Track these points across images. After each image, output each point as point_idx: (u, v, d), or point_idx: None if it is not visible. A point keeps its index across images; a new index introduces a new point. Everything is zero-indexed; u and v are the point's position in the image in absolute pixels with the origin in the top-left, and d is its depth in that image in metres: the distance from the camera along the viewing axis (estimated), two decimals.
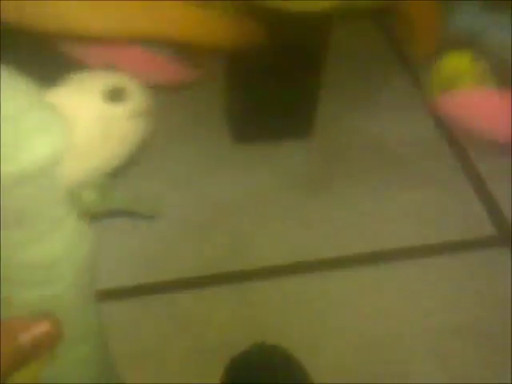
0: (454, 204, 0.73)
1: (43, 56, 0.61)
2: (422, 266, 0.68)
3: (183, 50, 0.66)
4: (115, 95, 0.41)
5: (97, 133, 0.41)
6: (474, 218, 0.72)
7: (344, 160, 0.77)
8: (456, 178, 0.76)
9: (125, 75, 0.43)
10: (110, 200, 0.49)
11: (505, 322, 0.64)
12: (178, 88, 0.70)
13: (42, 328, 0.45)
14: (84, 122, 0.40)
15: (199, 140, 0.77)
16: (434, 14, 0.74)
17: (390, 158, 0.77)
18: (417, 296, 0.66)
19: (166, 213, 0.68)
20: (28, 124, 0.38)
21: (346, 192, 0.73)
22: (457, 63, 0.72)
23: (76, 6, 0.56)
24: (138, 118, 0.42)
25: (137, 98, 0.42)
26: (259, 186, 0.72)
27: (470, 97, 0.70)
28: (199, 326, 0.64)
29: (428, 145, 0.79)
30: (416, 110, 0.82)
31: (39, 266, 0.45)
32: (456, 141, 0.79)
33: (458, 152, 0.78)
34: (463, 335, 0.63)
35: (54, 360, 0.47)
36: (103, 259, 0.48)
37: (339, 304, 0.65)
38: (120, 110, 0.42)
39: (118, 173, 0.45)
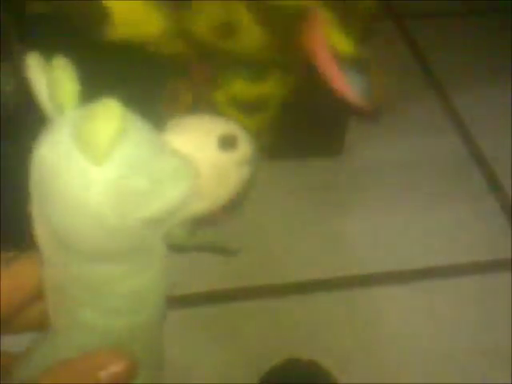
0: (481, 224, 0.77)
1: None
2: (451, 285, 0.71)
3: None
4: (228, 143, 0.43)
5: (210, 180, 0.43)
6: (501, 238, 0.75)
7: (373, 178, 0.80)
8: (484, 197, 0.79)
9: (234, 122, 0.45)
10: (198, 237, 0.51)
11: None
12: None
13: (121, 365, 0.46)
14: (199, 169, 0.42)
15: None
16: None
17: (418, 176, 0.80)
18: (446, 316, 0.69)
19: None
20: (160, 170, 0.40)
21: (375, 210, 0.76)
22: None
23: None
24: (245, 166, 0.44)
25: (246, 146, 0.44)
26: (289, 202, 0.75)
27: None
28: (228, 340, 0.66)
29: (456, 163, 0.82)
30: (444, 128, 0.85)
31: (132, 297, 0.47)
32: (484, 160, 0.83)
33: (486, 171, 0.82)
34: (490, 357, 0.65)
35: None
36: None
37: (367, 321, 0.67)
38: (232, 158, 0.44)
39: None
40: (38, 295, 0.49)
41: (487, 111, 0.89)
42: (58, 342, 0.49)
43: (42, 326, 0.50)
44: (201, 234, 0.50)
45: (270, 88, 0.59)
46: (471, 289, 0.70)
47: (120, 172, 0.39)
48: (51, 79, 0.41)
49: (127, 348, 0.49)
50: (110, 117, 0.38)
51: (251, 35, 0.61)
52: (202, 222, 0.45)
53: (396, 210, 0.76)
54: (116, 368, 0.46)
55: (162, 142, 0.42)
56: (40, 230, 0.44)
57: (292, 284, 0.69)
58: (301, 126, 0.75)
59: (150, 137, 0.42)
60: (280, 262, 0.70)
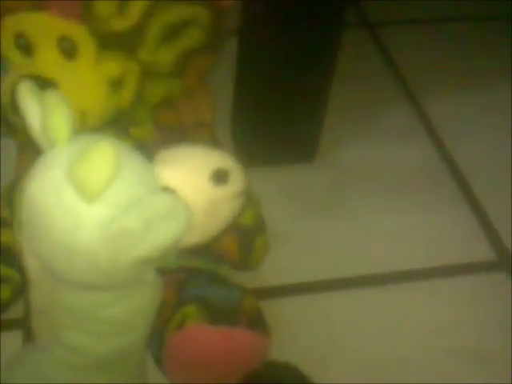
0: (454, 228, 0.77)
1: None
2: (426, 288, 0.71)
3: None
4: (221, 177, 0.43)
5: (202, 214, 0.42)
6: (474, 242, 0.76)
7: (347, 184, 0.79)
8: (456, 203, 0.79)
9: (227, 155, 0.44)
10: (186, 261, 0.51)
11: (505, 344, 0.67)
12: None
13: None
14: (191, 203, 0.42)
15: None
16: None
17: (392, 182, 0.80)
18: (421, 318, 0.69)
19: None
20: (152, 210, 0.39)
21: (349, 215, 0.77)
22: None
23: None
24: (237, 199, 0.44)
25: (238, 180, 0.44)
26: (265, 207, 0.75)
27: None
28: None
29: (428, 169, 0.82)
30: (418, 137, 0.85)
31: (118, 321, 0.47)
32: (456, 166, 0.83)
33: (457, 176, 0.82)
34: (465, 357, 0.65)
35: None
36: None
37: (345, 323, 0.67)
38: (225, 193, 0.43)
39: None
40: None
41: (459, 117, 0.89)
42: (41, 359, 0.50)
43: None
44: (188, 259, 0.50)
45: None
46: (445, 291, 0.71)
47: (111, 212, 0.39)
48: (44, 112, 0.40)
49: (109, 367, 0.49)
50: (104, 158, 0.37)
51: None
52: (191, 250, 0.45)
53: (370, 214, 0.77)
54: None
55: (155, 178, 0.41)
56: (29, 260, 0.44)
57: (270, 288, 0.70)
58: (274, 133, 0.75)
59: (143, 174, 0.41)
60: (259, 268, 0.70)
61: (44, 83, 0.49)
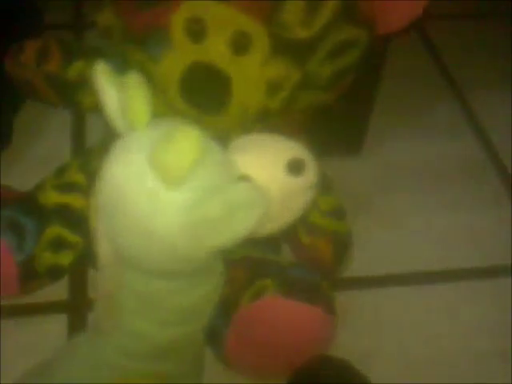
0: (498, 227, 0.76)
1: None
2: (467, 288, 0.71)
3: None
4: (297, 168, 0.43)
5: (276, 204, 0.42)
6: None
7: (392, 179, 0.79)
8: (501, 201, 0.79)
9: (302, 146, 0.44)
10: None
11: None
12: None
13: None
14: (267, 193, 0.42)
15: None
16: None
17: (436, 178, 0.80)
18: (462, 318, 0.68)
19: None
20: (233, 198, 0.39)
21: (393, 211, 0.76)
22: None
23: None
24: (311, 189, 0.44)
25: (312, 170, 0.44)
26: None
27: None
28: None
29: (474, 167, 0.82)
30: (463, 132, 0.85)
31: (184, 310, 0.47)
32: (502, 164, 0.82)
33: (504, 175, 0.81)
34: (506, 359, 0.65)
35: None
36: None
37: (384, 322, 0.67)
38: (300, 183, 0.43)
39: None
40: None
41: (506, 115, 0.88)
42: (102, 344, 0.50)
43: None
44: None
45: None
46: (490, 292, 0.70)
47: (193, 199, 0.39)
48: (124, 95, 0.40)
49: (170, 355, 0.49)
50: (189, 142, 0.37)
51: None
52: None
53: (414, 211, 0.76)
54: None
55: (234, 166, 0.41)
56: (102, 242, 0.44)
57: None
58: (319, 124, 0.74)
59: (223, 161, 0.41)
60: None
61: (213, 72, 0.49)
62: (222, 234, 0.39)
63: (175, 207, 0.39)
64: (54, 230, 0.58)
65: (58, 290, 0.64)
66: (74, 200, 0.59)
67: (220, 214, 0.38)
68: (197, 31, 0.50)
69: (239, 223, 0.39)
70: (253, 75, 0.51)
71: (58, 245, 0.59)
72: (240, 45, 0.50)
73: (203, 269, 0.44)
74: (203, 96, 0.50)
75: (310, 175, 0.43)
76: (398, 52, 0.78)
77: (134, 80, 0.40)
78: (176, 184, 0.38)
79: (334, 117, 0.75)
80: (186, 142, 0.37)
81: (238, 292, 0.53)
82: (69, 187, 0.60)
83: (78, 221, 0.58)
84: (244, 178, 0.41)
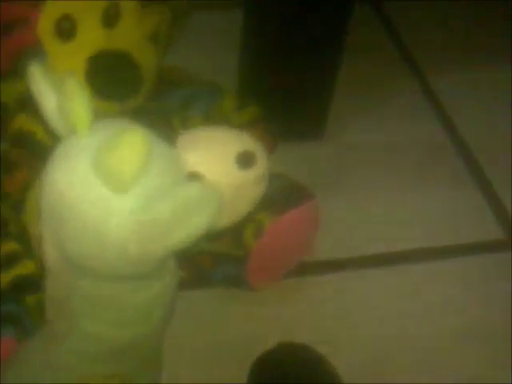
0: (462, 207, 0.76)
1: None
2: (434, 268, 0.71)
3: None
4: (246, 160, 0.42)
5: (227, 198, 0.41)
6: (483, 221, 0.75)
7: (355, 162, 0.79)
8: (465, 180, 0.79)
9: (252, 138, 0.43)
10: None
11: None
12: None
13: None
14: (218, 188, 0.41)
15: None
16: None
17: (399, 160, 0.80)
18: (429, 297, 0.69)
19: None
20: (183, 199, 0.38)
21: (357, 193, 0.76)
22: None
23: None
24: (262, 180, 0.43)
25: (263, 162, 0.43)
26: None
27: None
28: (215, 323, 0.65)
29: (435, 147, 0.82)
30: (425, 114, 0.85)
31: (137, 310, 0.46)
32: (464, 144, 0.82)
33: (466, 155, 0.82)
34: (473, 336, 0.66)
35: None
36: None
37: (352, 304, 0.67)
38: (251, 176, 0.42)
39: None
40: None
41: (466, 94, 0.87)
42: (57, 348, 0.49)
43: None
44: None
45: None
46: (454, 271, 0.71)
47: (142, 202, 0.37)
48: (63, 98, 0.39)
49: (125, 355, 0.48)
50: (135, 145, 0.35)
51: None
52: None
53: (378, 193, 0.76)
54: None
55: (182, 164, 0.40)
56: (48, 249, 0.42)
57: None
58: (282, 109, 0.73)
59: (171, 161, 0.39)
60: None
61: (121, 56, 0.49)
62: (176, 235, 0.38)
63: (124, 212, 0.37)
64: None
65: None
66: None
67: (171, 216, 0.37)
68: (67, 29, 0.50)
69: (192, 223, 0.38)
70: (134, 37, 0.51)
71: None
72: (111, 17, 0.50)
73: (155, 268, 0.43)
74: (113, 84, 0.49)
75: (261, 167, 0.42)
76: (358, 33, 0.77)
77: (72, 83, 0.38)
78: (124, 189, 0.37)
79: (295, 101, 0.75)
80: (131, 147, 0.36)
81: (236, 238, 0.59)
82: None
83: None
84: (194, 176, 0.40)
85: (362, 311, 0.67)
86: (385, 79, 0.88)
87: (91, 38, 0.49)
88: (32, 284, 0.57)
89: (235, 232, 0.56)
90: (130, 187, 0.37)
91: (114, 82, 0.49)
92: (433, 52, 0.94)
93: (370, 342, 0.65)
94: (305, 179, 0.69)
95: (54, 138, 0.41)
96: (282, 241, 0.62)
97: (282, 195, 0.61)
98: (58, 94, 0.39)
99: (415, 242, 0.73)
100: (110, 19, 0.50)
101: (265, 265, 0.63)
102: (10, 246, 0.57)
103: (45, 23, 0.49)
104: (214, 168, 0.41)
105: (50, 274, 0.44)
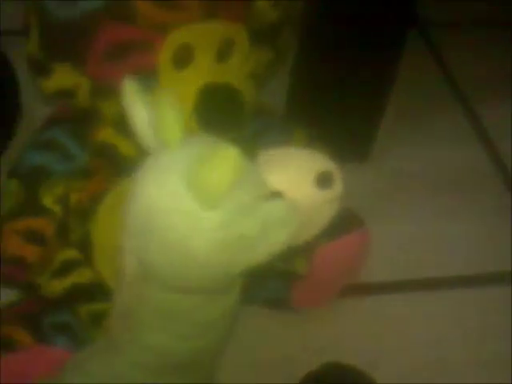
0: (505, 234, 0.77)
1: None
2: (475, 294, 0.72)
3: None
4: (325, 181, 0.43)
5: (303, 216, 0.42)
6: None
7: (398, 185, 0.80)
8: (508, 208, 0.80)
9: (327, 158, 0.44)
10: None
11: None
12: None
13: None
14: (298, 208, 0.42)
15: None
16: None
17: (442, 186, 0.81)
18: (469, 323, 0.69)
19: None
20: (268, 215, 0.39)
21: (398, 218, 0.77)
22: None
23: None
24: (337, 201, 0.44)
25: (339, 182, 0.44)
26: None
27: None
28: (255, 342, 0.65)
29: (479, 176, 0.83)
30: (469, 141, 0.86)
31: (203, 323, 0.46)
32: (508, 172, 0.83)
33: (510, 183, 0.83)
34: (507, 366, 0.66)
35: None
36: None
37: (392, 327, 0.67)
38: (328, 196, 0.43)
39: None
40: None
41: (511, 122, 0.88)
42: (116, 357, 0.49)
43: None
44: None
45: None
46: (496, 297, 0.70)
47: (230, 217, 0.38)
48: (155, 113, 0.40)
49: (185, 368, 0.49)
50: (229, 161, 0.37)
51: None
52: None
53: (419, 218, 0.77)
54: None
55: (265, 182, 0.41)
56: (126, 258, 0.43)
57: None
58: (328, 130, 0.74)
59: (255, 178, 0.41)
60: None
61: (229, 91, 0.50)
62: (257, 251, 0.39)
63: (211, 226, 0.39)
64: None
65: None
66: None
67: (255, 232, 0.38)
68: (184, 57, 0.51)
69: (273, 240, 0.39)
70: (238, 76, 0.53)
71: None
72: (225, 51, 0.52)
73: (229, 283, 0.44)
74: (220, 117, 0.50)
75: (338, 188, 0.43)
76: (405, 60, 0.78)
77: (165, 98, 0.39)
78: (214, 204, 0.38)
79: (343, 122, 0.76)
80: (224, 163, 0.37)
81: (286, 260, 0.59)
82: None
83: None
84: (276, 195, 0.41)
85: (402, 335, 0.68)
86: (431, 106, 0.89)
87: (204, 69, 0.51)
88: (87, 293, 0.58)
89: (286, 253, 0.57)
90: (220, 202, 0.38)
91: (221, 114, 0.50)
92: (477, 80, 0.95)
93: (409, 366, 0.66)
94: (346, 201, 0.70)
95: (138, 153, 0.43)
96: (330, 266, 0.63)
97: (333, 220, 0.61)
98: (151, 109, 0.40)
99: (456, 267, 0.74)
100: (223, 54, 0.51)
101: (312, 288, 0.64)
102: (70, 254, 0.58)
103: (166, 50, 0.50)
104: (294, 187, 0.42)
105: (123, 284, 0.45)
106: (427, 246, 0.75)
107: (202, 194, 0.38)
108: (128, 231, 0.41)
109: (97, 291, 0.58)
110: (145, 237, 0.40)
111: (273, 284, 0.63)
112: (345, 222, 0.62)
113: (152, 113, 0.40)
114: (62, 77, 0.54)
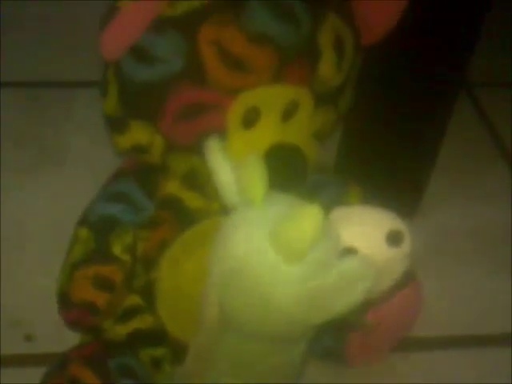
0: None
1: None
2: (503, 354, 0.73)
3: None
4: (396, 239, 0.45)
5: (377, 273, 0.44)
6: None
7: (443, 243, 0.81)
8: None
9: (397, 216, 0.47)
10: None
11: None
12: None
13: None
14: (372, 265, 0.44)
15: None
16: None
17: (488, 244, 0.82)
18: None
19: None
20: (346, 271, 0.41)
21: (445, 275, 0.78)
22: None
23: None
24: (406, 260, 0.46)
25: (409, 240, 0.46)
26: None
27: None
28: None
29: None
30: None
31: (274, 371, 0.49)
32: None
33: None
34: None
35: None
36: None
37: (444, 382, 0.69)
38: (399, 253, 0.45)
39: None
40: None
41: None
42: None
43: None
44: None
45: None
46: None
47: (310, 271, 0.41)
48: (241, 171, 0.43)
49: None
50: (311, 221, 0.39)
51: None
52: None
53: (465, 276, 0.78)
54: None
55: (340, 239, 0.44)
56: (210, 306, 0.46)
57: None
58: (377, 183, 0.76)
59: (331, 235, 0.43)
60: None
61: (295, 152, 0.52)
62: (336, 305, 0.41)
63: (293, 280, 0.41)
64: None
65: None
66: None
67: (334, 287, 0.41)
68: (251, 118, 0.53)
69: (351, 294, 0.41)
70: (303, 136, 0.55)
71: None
72: (290, 112, 0.54)
73: (300, 336, 0.46)
74: (285, 176, 0.52)
75: (408, 245, 0.45)
76: (452, 120, 0.80)
77: (252, 158, 0.42)
78: (297, 259, 0.40)
79: (392, 175, 0.78)
80: (308, 221, 0.39)
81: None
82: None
83: None
84: (351, 251, 0.43)
85: None
86: (478, 164, 0.92)
87: (270, 130, 0.53)
88: (149, 339, 0.60)
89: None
90: (300, 259, 0.40)
91: (286, 174, 0.52)
92: None
93: None
94: None
95: (206, 207, 0.44)
96: (386, 322, 0.64)
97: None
98: (234, 167, 0.43)
99: (503, 325, 0.75)
100: (288, 115, 0.54)
101: (367, 343, 0.65)
102: (133, 300, 0.61)
103: (235, 112, 0.52)
104: (366, 244, 0.44)
105: (202, 328, 0.47)
106: (473, 304, 0.77)
107: (287, 250, 0.40)
108: (212, 280, 0.44)
109: (158, 337, 0.60)
110: (229, 287, 0.43)
111: (329, 338, 0.65)
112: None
113: (234, 170, 0.43)
114: (137, 133, 0.56)
